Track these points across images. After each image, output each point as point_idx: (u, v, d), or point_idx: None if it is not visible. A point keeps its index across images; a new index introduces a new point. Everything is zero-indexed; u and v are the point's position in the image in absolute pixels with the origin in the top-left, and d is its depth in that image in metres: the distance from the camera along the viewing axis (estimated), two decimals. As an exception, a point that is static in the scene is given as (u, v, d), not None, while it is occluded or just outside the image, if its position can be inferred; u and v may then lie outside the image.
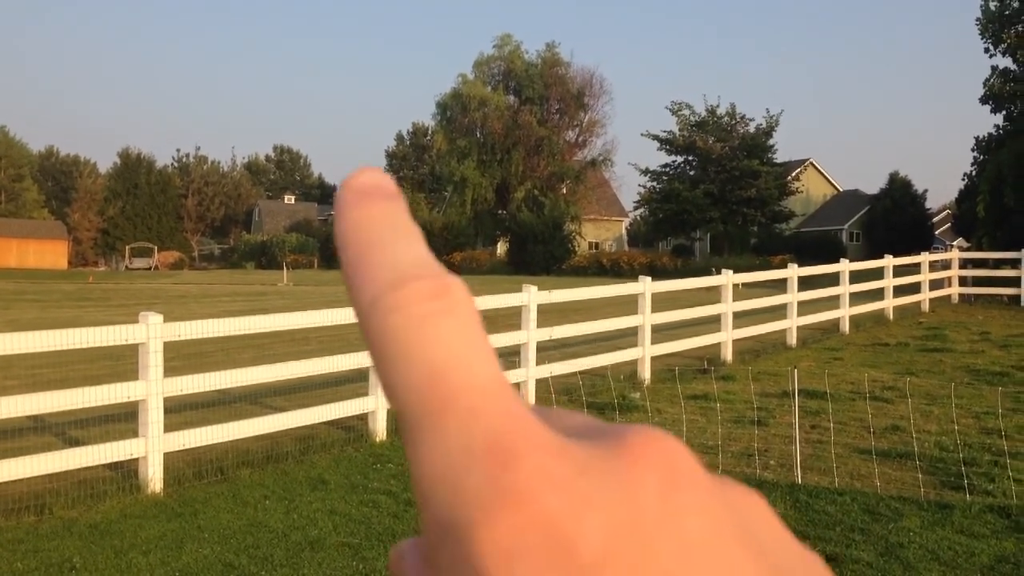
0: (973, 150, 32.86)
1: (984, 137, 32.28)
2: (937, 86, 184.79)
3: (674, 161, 52.06)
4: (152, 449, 6.58)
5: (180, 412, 8.07)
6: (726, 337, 12.69)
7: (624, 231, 66.71)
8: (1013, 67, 29.98)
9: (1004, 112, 30.76)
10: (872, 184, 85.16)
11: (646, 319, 11.20)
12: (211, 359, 11.98)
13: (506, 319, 11.55)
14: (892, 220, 49.96)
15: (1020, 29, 29.44)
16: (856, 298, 16.59)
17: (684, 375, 10.69)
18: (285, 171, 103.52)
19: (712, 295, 15.58)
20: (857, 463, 7.04)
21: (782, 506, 6.02)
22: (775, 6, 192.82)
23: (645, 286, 11.28)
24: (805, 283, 15.99)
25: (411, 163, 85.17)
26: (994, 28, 29.67)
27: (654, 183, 51.71)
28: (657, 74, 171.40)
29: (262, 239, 69.67)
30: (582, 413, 0.30)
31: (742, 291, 15.49)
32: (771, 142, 50.22)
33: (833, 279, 16.37)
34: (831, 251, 41.56)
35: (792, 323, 14.33)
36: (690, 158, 51.07)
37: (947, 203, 61.74)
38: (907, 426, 7.71)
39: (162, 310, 7.23)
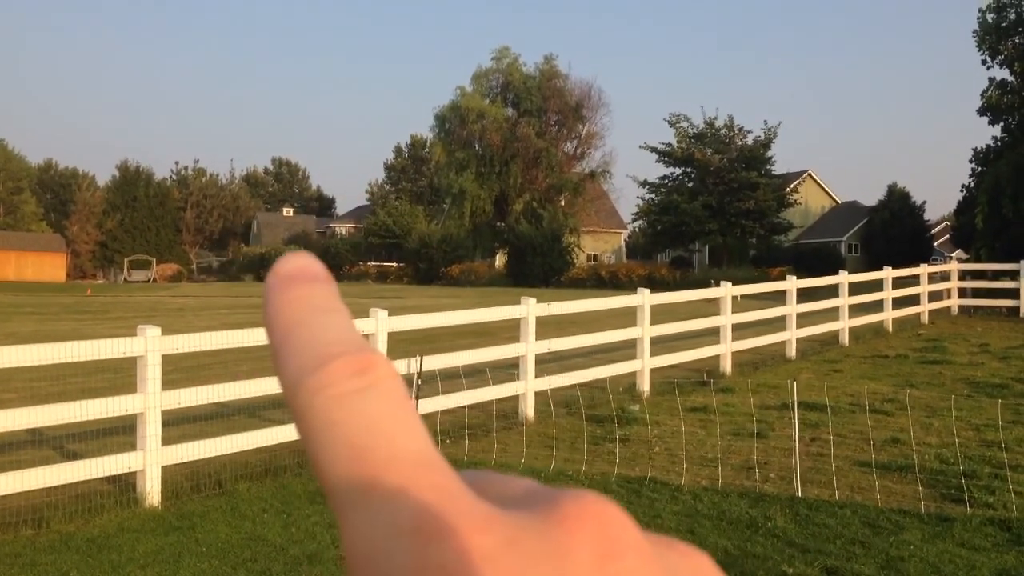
0: (971, 162, 32.89)
1: (982, 149, 32.31)
2: (935, 98, 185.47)
3: (672, 173, 52.12)
4: (150, 462, 6.56)
5: (178, 425, 8.05)
6: (725, 349, 12.68)
7: (623, 243, 66.78)
8: (1011, 79, 30.02)
9: (1002, 124, 30.78)
10: (871, 196, 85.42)
11: (645, 331, 11.19)
12: (210, 372, 11.95)
13: (505, 331, 11.54)
14: (891, 232, 49.98)
15: (1017, 41, 29.51)
16: (855, 310, 16.60)
17: (683, 387, 10.68)
18: (284, 184, 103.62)
19: (711, 307, 15.58)
20: (857, 476, 7.02)
21: (782, 519, 6.00)
22: (773, 18, 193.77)
23: (644, 298, 11.27)
24: (804, 295, 16.00)
25: (410, 175, 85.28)
26: (991, 40, 29.74)
27: (652, 195, 51.75)
28: (655, 86, 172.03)
29: (260, 252, 69.64)
30: (522, 477, 0.29)
31: (741, 303, 15.47)
32: (769, 154, 50.27)
33: (832, 291, 16.37)
34: (830, 263, 41.57)
35: (791, 335, 14.32)
36: (688, 170, 51.12)
37: (946, 215, 61.86)
38: (907, 439, 7.70)
39: (160, 323, 7.21)
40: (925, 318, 19.41)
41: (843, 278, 16.34)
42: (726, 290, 13.03)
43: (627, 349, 11.70)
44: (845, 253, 53.91)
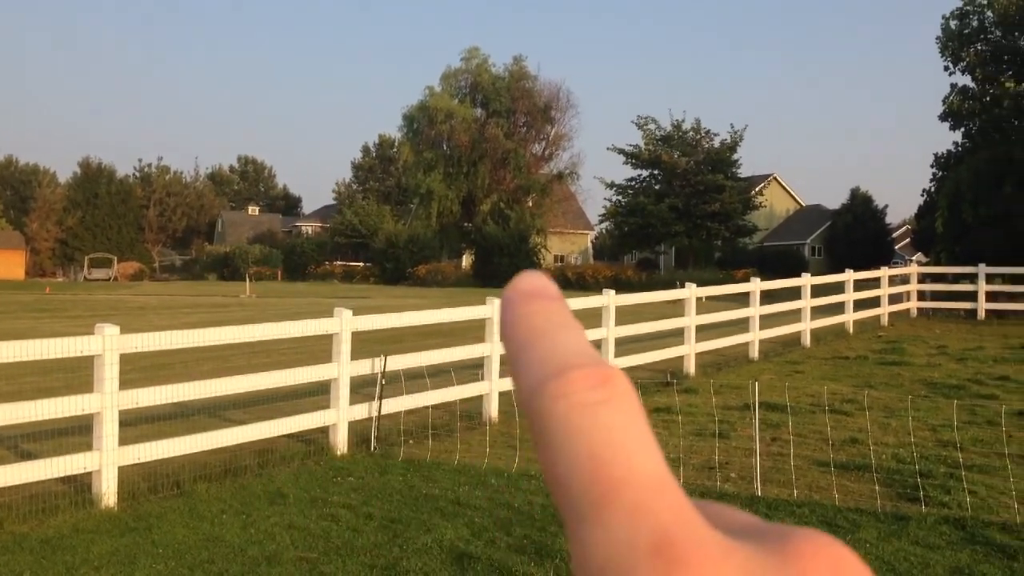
0: (932, 166, 33.41)
1: (943, 154, 32.83)
2: (898, 103, 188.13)
3: (640, 175, 52.33)
4: (106, 463, 6.46)
5: (136, 425, 7.94)
6: (689, 350, 12.76)
7: (590, 244, 66.99)
8: (972, 85, 30.49)
9: (963, 129, 31.27)
10: (834, 199, 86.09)
11: (610, 332, 11.23)
12: (170, 371, 11.82)
13: (471, 332, 11.53)
14: (853, 235, 50.59)
15: (979, 48, 29.98)
16: (817, 312, 16.79)
17: (647, 388, 10.73)
18: (249, 182, 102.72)
19: (676, 308, 15.68)
20: (816, 475, 7.10)
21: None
22: (740, 23, 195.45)
23: (609, 299, 11.31)
24: (767, 297, 16.15)
25: (377, 175, 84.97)
26: (954, 47, 30.19)
27: (619, 197, 51.92)
28: (623, 88, 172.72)
29: (225, 250, 69.00)
30: (745, 511, 0.30)
31: (705, 304, 15.59)
32: (735, 157, 50.68)
33: (795, 293, 16.55)
34: (793, 265, 42.01)
35: (754, 336, 14.45)
36: (655, 172, 51.35)
37: (907, 218, 62.75)
38: (865, 439, 7.80)
39: (120, 322, 7.11)
40: (885, 320, 19.68)
41: (806, 280, 16.52)
42: (691, 292, 13.12)
43: (592, 350, 11.72)
44: (808, 255, 54.51)
